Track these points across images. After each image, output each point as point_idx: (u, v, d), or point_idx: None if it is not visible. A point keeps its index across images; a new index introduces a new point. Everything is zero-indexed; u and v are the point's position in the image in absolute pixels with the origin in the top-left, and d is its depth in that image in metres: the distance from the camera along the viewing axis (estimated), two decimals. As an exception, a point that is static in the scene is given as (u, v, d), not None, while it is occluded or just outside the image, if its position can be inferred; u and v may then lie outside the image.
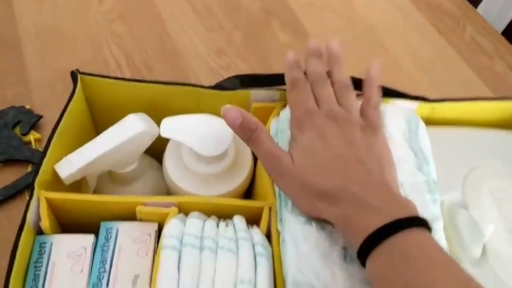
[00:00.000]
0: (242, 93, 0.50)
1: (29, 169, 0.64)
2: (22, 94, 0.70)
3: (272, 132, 0.47)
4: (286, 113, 0.46)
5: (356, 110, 0.44)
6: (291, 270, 0.38)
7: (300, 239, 0.40)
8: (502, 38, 0.87)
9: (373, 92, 0.45)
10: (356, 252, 0.37)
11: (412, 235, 0.35)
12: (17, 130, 0.66)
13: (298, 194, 0.41)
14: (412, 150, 0.45)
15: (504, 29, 0.94)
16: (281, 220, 0.42)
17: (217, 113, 0.48)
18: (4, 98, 0.70)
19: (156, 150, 0.52)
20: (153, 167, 0.54)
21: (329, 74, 0.46)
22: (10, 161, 0.64)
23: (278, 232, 0.42)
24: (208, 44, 0.80)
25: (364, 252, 0.36)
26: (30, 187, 0.42)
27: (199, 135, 0.46)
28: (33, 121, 0.68)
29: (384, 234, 0.35)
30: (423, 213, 0.40)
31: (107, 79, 0.49)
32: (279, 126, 0.46)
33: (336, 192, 0.38)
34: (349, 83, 0.45)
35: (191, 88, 0.49)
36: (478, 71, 0.81)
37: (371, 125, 0.43)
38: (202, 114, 0.48)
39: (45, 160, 0.43)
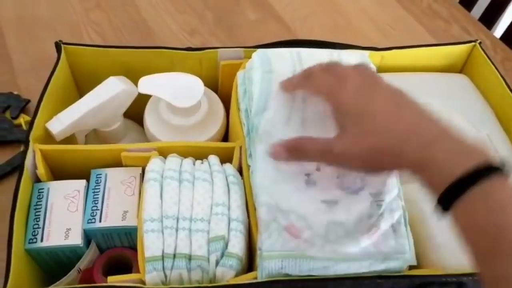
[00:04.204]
0: (210, 52, 0.55)
1: (22, 148, 0.68)
2: (9, 81, 0.75)
3: (239, 81, 0.52)
4: (250, 62, 0.50)
5: None
6: (261, 194, 0.43)
7: (269, 168, 0.44)
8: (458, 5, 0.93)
9: None
10: (438, 196, 0.35)
11: (502, 179, 0.33)
12: (8, 115, 0.71)
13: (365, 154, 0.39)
14: None
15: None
16: (250, 155, 0.47)
17: (190, 72, 0.54)
18: (-8, 86, 0.74)
19: (138, 115, 0.57)
20: (135, 129, 0.59)
21: None
22: (2, 143, 0.68)
23: (248, 166, 0.47)
24: (181, 25, 0.85)
25: (449, 196, 0.34)
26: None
27: (173, 89, 0.51)
28: (22, 105, 0.72)
29: (473, 179, 0.33)
30: None
31: (88, 47, 0.55)
32: (246, 74, 0.51)
33: (410, 135, 0.37)
34: None
35: (165, 50, 0.55)
36: (434, 34, 0.88)
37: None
38: (175, 72, 0.53)
39: (37, 118, 0.48)
